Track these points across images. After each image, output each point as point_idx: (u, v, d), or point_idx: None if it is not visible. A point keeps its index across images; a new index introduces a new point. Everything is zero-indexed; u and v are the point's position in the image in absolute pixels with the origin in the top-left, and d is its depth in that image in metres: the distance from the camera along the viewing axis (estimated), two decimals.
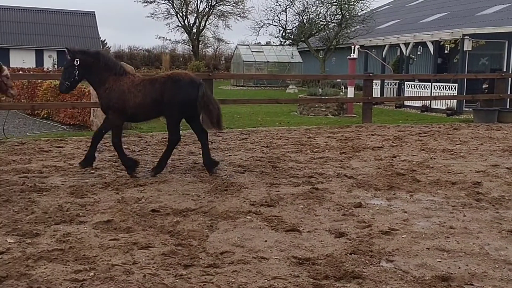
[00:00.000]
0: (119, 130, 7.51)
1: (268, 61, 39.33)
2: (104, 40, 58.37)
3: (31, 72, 25.24)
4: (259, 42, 46.68)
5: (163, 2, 53.09)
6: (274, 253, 4.42)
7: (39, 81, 17.60)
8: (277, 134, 11.91)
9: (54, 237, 4.70)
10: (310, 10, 34.45)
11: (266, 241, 4.72)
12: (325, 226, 5.19)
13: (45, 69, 42.85)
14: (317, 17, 34.34)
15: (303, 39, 34.58)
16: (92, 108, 13.52)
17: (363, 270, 4.10)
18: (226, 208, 5.70)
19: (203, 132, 7.68)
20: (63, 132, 13.25)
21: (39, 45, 50.11)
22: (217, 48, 62.74)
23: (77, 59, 7.30)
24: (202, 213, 5.52)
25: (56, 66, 47.61)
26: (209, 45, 60.37)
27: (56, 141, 10.42)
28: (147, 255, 4.31)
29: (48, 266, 4.02)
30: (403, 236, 4.91)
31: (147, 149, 9.64)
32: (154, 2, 52.95)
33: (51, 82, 16.34)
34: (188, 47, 58.51)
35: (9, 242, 4.53)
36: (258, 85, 37.47)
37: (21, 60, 47.30)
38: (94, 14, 54.04)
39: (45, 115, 16.66)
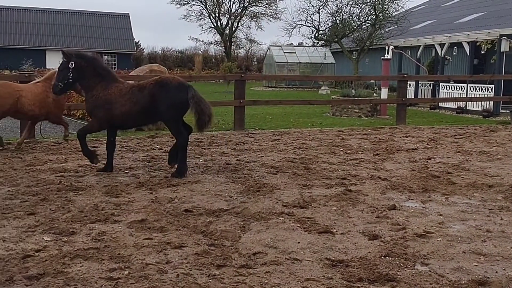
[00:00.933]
0: (91, 131, 7.78)
1: (300, 62, 39.25)
2: (138, 41, 59.21)
3: None
4: (292, 43, 46.59)
5: (196, 3, 53.56)
6: (307, 255, 4.40)
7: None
8: (309, 135, 11.86)
9: (89, 235, 4.77)
10: (343, 10, 34.29)
11: (299, 242, 4.70)
12: (359, 228, 5.14)
13: None
14: (351, 17, 34.13)
15: (336, 39, 34.39)
16: None
17: (398, 273, 4.04)
18: (259, 209, 5.70)
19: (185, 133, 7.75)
20: (97, 132, 13.41)
21: (75, 47, 51.07)
22: (249, 49, 62.91)
23: (72, 62, 7.36)
24: (234, 213, 5.53)
25: None
26: (241, 46, 60.60)
27: (91, 141, 10.56)
28: (180, 254, 4.34)
29: (84, 264, 4.08)
30: (438, 239, 4.83)
31: None
32: (188, 3, 53.46)
33: None
34: (220, 48, 58.84)
35: (46, 240, 4.61)
36: (290, 86, 37.43)
37: (57, 61, 48.19)
38: (129, 16, 54.82)
39: (80, 116, 16.93)
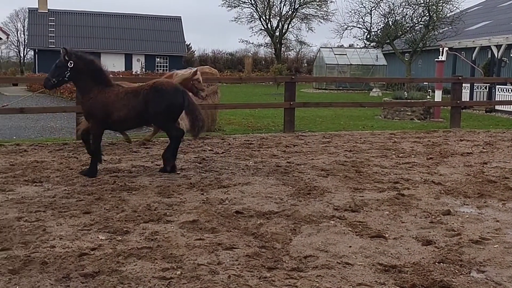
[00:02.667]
0: (98, 138, 7.61)
1: (351, 64, 38.87)
2: (189, 44, 60.10)
3: (121, 76, 26.35)
4: (342, 45, 46.25)
5: (247, 6, 53.89)
6: (359, 259, 4.34)
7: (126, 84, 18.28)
8: (360, 138, 11.71)
9: (143, 235, 4.86)
10: (396, 11, 33.74)
11: (350, 246, 4.64)
12: (412, 233, 5.03)
13: (133, 73, 44.69)
14: (403, 19, 33.55)
15: (388, 41, 33.87)
16: None
17: (453, 279, 3.94)
18: (309, 212, 5.67)
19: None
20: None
21: (128, 50, 52.29)
22: (299, 51, 62.84)
23: (71, 61, 7.38)
24: (285, 216, 5.52)
25: (144, 69, 49.52)
26: (291, 48, 60.58)
27: (144, 142, 10.77)
28: (232, 256, 4.36)
29: (138, 263, 4.16)
30: (495, 246, 4.68)
31: (230, 151, 9.77)
32: (238, 6, 53.85)
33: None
34: (270, 50, 59.00)
35: (101, 239, 4.72)
36: (341, 88, 37.12)
37: (112, 64, 49.53)
38: (180, 19, 55.72)
39: None
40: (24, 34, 74.54)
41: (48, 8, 51.91)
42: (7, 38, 34.05)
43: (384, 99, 19.26)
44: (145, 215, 5.46)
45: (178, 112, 7.52)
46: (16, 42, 73.94)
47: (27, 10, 55.11)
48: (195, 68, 10.03)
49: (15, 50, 75.13)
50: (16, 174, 7.42)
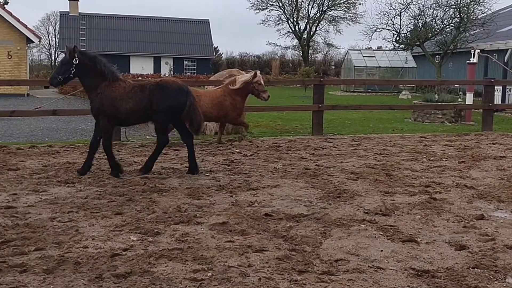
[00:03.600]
0: (110, 134, 7.69)
1: (380, 66, 38.54)
2: (217, 47, 60.31)
3: (149, 78, 26.61)
4: (370, 47, 45.88)
5: (274, 8, 53.87)
6: (390, 264, 4.29)
7: None
8: (390, 141, 11.59)
9: (173, 236, 4.88)
10: (426, 13, 33.28)
11: (382, 250, 4.59)
12: (445, 238, 4.95)
13: (162, 75, 45.06)
14: (434, 20, 33.09)
15: (418, 43, 33.45)
16: None
17: (487, 285, 3.86)
18: (339, 215, 5.63)
19: (189, 135, 7.85)
20: (178, 136, 13.75)
21: (156, 53, 52.74)
22: (326, 53, 62.58)
23: (76, 58, 7.47)
24: (315, 219, 5.49)
25: (172, 72, 49.92)
26: (318, 50, 60.38)
27: (173, 144, 10.83)
28: (262, 258, 4.35)
29: (169, 265, 4.18)
30: None
31: (258, 153, 9.77)
32: (266, 9, 53.88)
33: None
34: (297, 52, 58.89)
35: (133, 240, 4.77)
36: (369, 90, 36.80)
37: (140, 66, 50.11)
38: (208, 22, 55.95)
39: None
40: (55, 37, 75.91)
41: (79, 11, 52.70)
42: (39, 41, 34.74)
43: (414, 102, 19.02)
44: (175, 217, 5.49)
45: (179, 111, 7.56)
46: (47, 45, 75.23)
47: (59, 14, 56.07)
48: (255, 71, 10.50)
49: (47, 53, 76.42)
50: (49, 175, 7.54)
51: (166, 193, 6.55)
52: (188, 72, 52.59)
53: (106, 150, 7.60)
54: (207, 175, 7.72)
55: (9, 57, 29.77)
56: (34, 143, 10.97)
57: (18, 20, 29.60)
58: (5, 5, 38.95)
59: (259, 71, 10.76)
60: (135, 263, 4.18)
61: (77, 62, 7.46)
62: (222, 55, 64.74)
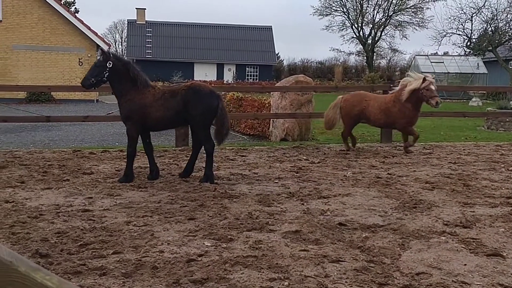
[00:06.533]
0: (135, 141, 7.65)
1: (448, 72, 37.44)
2: (278, 53, 60.42)
3: (212, 85, 26.90)
4: (436, 52, 44.70)
5: (338, 14, 53.51)
6: (476, 279, 4.07)
7: (223, 92, 18.62)
8: (464, 149, 11.15)
9: (247, 243, 4.83)
10: (499, 17, 32.06)
11: (465, 264, 4.37)
12: None
13: (225, 82, 45.58)
14: (507, 25, 31.82)
15: (491, 48, 32.25)
16: (271, 119, 13.96)
17: None
18: (417, 226, 5.41)
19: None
20: (244, 142, 13.82)
21: (220, 59, 53.38)
22: (390, 59, 61.50)
23: (110, 62, 7.46)
24: (391, 230, 5.30)
25: (235, 79, 50.37)
26: (383, 55, 59.42)
27: (240, 150, 10.87)
28: (339, 269, 4.23)
29: (244, 272, 4.12)
30: None
31: (326, 160, 9.61)
32: (330, 14, 53.58)
33: (233, 94, 17.19)
34: (361, 58, 58.17)
35: (207, 246, 4.74)
36: None
37: (204, 73, 50.84)
38: (271, 29, 56.16)
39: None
40: (121, 45, 78.32)
41: (146, 19, 54.15)
42: (109, 48, 35.90)
43: (488, 109, 18.31)
44: (247, 223, 5.45)
45: (213, 114, 7.52)
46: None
47: (126, 22, 57.79)
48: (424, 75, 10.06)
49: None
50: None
51: (237, 199, 6.52)
52: (250, 78, 52.92)
53: (128, 156, 7.64)
54: (276, 182, 7.65)
55: (80, 63, 30.84)
56: (106, 147, 11.25)
57: (89, 28, 30.66)
58: (76, 14, 40.47)
59: (430, 76, 10.11)
60: (211, 269, 4.15)
61: (111, 66, 7.51)
62: (284, 61, 64.82)
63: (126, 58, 7.93)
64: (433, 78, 10.14)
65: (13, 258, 1.26)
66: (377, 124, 10.56)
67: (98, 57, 7.69)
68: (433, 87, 9.86)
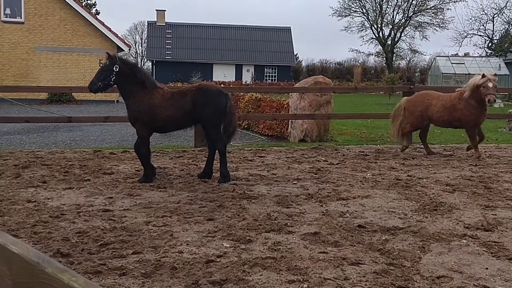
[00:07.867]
0: (147, 140, 7.74)
1: (469, 73, 37.04)
2: (297, 54, 60.22)
3: (231, 85, 26.95)
4: (457, 53, 44.26)
5: (358, 15, 53.27)
6: (498, 283, 4.02)
7: (241, 93, 18.65)
8: (485, 151, 11.01)
9: (265, 244, 4.83)
10: None
11: (487, 268, 4.31)
12: None
13: (243, 83, 45.62)
14: None
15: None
16: (290, 120, 13.94)
17: None
18: (438, 229, 5.36)
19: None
20: (263, 142, 13.81)
21: (238, 60, 53.41)
22: (409, 60, 61.04)
23: (116, 66, 7.48)
24: (411, 232, 5.26)
25: (254, 79, 50.39)
26: (403, 56, 58.99)
27: (258, 151, 10.87)
28: (358, 272, 4.21)
29: (263, 273, 4.12)
30: None
31: (345, 162, 9.57)
32: (349, 15, 53.36)
33: (252, 95, 17.20)
34: (380, 59, 57.82)
35: (226, 247, 4.75)
36: None
37: (223, 74, 50.94)
38: (290, 30, 56.04)
39: (245, 126, 17.57)
40: (141, 46, 78.90)
41: (166, 21, 54.43)
42: (129, 49, 36.17)
43: (510, 111, 18.04)
44: (266, 224, 5.44)
45: (222, 113, 7.56)
46: (134, 53, 78.36)
47: (146, 23, 58.14)
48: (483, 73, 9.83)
49: (134, 61, 79.76)
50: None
51: (255, 200, 6.52)
52: (269, 79, 52.90)
53: (143, 156, 7.70)
54: (294, 183, 7.63)
55: (101, 65, 31.09)
56: (125, 148, 11.34)
57: (110, 30, 30.91)
58: (97, 15, 40.84)
59: (489, 73, 9.93)
60: (229, 271, 4.15)
61: (117, 69, 7.55)
62: (302, 62, 64.68)
63: (132, 61, 7.97)
64: (494, 75, 9.93)
65: (40, 259, 1.28)
66: (440, 122, 10.36)
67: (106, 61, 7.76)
68: (490, 84, 9.55)
